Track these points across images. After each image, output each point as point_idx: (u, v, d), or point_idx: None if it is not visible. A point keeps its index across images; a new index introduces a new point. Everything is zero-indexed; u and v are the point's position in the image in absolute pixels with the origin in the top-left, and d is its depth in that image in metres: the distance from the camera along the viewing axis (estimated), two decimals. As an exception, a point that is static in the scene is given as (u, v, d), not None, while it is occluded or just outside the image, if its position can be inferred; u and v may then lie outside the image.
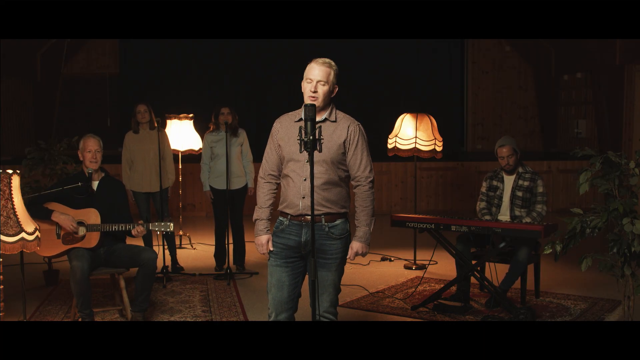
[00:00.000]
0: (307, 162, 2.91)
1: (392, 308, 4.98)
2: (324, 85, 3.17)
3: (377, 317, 4.81)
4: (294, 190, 3.21)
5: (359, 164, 3.26)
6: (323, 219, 3.21)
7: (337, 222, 3.25)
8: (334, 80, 3.21)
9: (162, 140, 6.11)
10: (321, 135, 3.10)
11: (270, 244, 3.29)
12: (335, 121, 3.24)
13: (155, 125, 5.99)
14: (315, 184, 3.13)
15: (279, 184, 3.37)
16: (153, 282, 4.60)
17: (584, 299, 5.16)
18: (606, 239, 3.61)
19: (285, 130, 3.27)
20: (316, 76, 3.17)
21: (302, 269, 3.30)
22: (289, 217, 3.25)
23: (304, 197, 3.16)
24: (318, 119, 3.17)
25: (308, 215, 3.08)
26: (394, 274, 6.11)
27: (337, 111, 3.30)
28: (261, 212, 3.33)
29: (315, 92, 3.15)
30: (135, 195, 6.07)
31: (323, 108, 3.22)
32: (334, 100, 3.29)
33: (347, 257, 3.31)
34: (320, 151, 3.06)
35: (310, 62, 3.23)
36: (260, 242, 3.31)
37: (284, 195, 3.28)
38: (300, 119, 3.15)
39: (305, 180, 3.15)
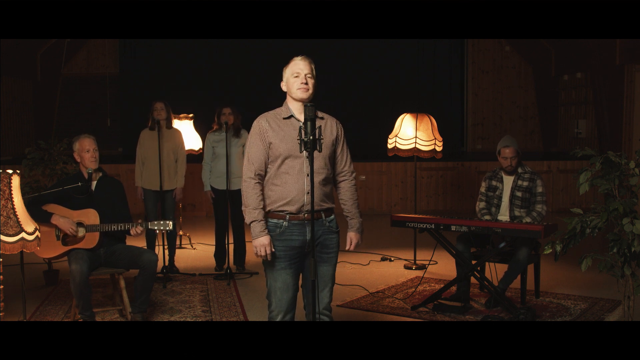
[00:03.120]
0: (307, 157, 3.01)
1: (392, 308, 4.98)
2: (311, 78, 3.26)
3: (377, 317, 4.81)
4: (296, 186, 3.21)
5: (345, 159, 3.43)
6: (323, 215, 3.30)
7: (333, 216, 3.38)
8: (315, 75, 3.30)
9: (177, 140, 6.09)
10: (321, 135, 3.14)
11: (272, 245, 3.27)
12: (322, 118, 3.33)
13: (172, 124, 5.98)
14: (315, 179, 3.21)
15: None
16: (153, 284, 4.59)
17: (584, 299, 5.16)
18: (606, 239, 3.60)
19: (276, 128, 3.25)
20: (303, 69, 3.25)
21: (301, 267, 3.35)
22: (287, 217, 3.24)
23: (308, 193, 3.18)
24: None
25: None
26: (394, 274, 6.11)
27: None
28: (257, 214, 3.27)
29: (306, 83, 3.24)
30: (144, 193, 6.06)
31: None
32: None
33: (347, 248, 3.44)
34: (320, 151, 3.09)
35: (287, 63, 3.29)
36: (262, 244, 3.22)
37: (282, 193, 3.23)
38: (290, 116, 3.26)
39: (308, 175, 3.18)
